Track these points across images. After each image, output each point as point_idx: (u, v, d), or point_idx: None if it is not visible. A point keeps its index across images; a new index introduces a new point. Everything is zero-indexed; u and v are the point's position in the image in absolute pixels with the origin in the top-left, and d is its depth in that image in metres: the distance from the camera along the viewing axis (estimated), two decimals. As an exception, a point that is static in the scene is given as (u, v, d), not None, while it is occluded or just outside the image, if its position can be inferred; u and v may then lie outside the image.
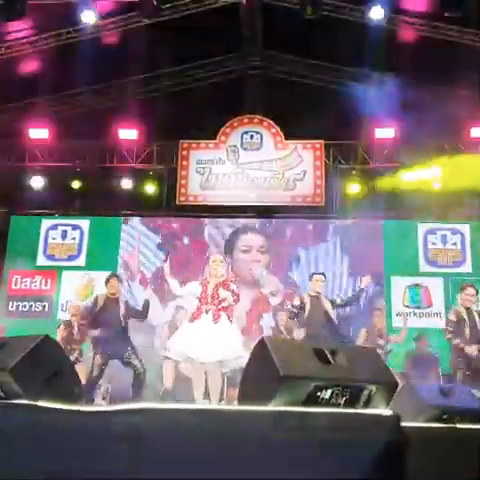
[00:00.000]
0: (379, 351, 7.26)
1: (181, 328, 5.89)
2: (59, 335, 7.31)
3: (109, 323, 6.50)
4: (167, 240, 10.36)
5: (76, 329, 7.36)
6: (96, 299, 6.79)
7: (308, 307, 6.45)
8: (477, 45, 9.10)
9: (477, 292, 6.81)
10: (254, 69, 11.03)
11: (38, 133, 10.55)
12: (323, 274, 6.97)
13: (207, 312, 5.27)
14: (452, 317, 6.78)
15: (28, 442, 1.95)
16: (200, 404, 5.06)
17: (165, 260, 6.11)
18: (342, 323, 8.39)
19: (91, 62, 9.47)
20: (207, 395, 5.62)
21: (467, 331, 6.54)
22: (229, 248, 10.28)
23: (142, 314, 6.66)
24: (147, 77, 10.78)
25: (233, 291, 5.42)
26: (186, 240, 10.41)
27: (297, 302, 6.53)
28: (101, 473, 1.92)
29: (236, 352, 5.12)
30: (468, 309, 6.68)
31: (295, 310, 6.47)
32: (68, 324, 7.55)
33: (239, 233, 10.42)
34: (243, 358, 4.95)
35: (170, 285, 5.82)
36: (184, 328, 5.68)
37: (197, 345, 5.20)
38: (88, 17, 9.02)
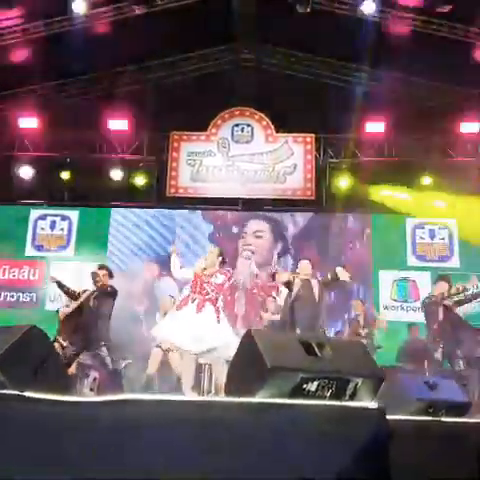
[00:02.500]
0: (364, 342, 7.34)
1: (167, 315, 5.91)
2: (60, 318, 7.33)
3: (93, 315, 6.56)
4: (219, 230, 10.51)
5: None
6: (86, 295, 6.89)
7: (297, 289, 6.32)
8: (467, 40, 9.11)
9: (450, 286, 6.87)
10: (246, 62, 11.00)
11: (27, 122, 10.48)
12: (309, 259, 6.83)
13: (193, 301, 5.28)
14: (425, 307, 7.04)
15: (14, 432, 1.95)
16: (187, 395, 5.06)
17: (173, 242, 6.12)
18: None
19: (81, 52, 9.39)
20: (196, 387, 5.64)
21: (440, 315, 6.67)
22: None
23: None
24: (138, 68, 10.71)
25: (212, 283, 5.35)
26: (235, 229, 10.53)
27: (284, 278, 6.45)
28: (88, 463, 1.93)
29: (215, 343, 5.08)
30: (443, 305, 6.75)
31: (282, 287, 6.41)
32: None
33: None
34: (225, 349, 4.94)
35: (171, 264, 5.83)
36: (170, 315, 5.72)
37: (179, 333, 5.21)
38: (79, 6, 8.95)
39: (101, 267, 6.90)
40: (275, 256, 10.25)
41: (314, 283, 6.37)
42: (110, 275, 6.79)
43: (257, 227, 10.47)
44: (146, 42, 9.49)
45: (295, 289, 6.28)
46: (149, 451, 1.89)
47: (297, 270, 6.59)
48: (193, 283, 5.45)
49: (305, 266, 6.50)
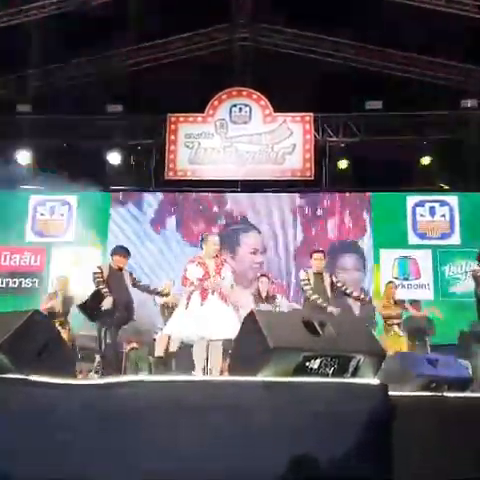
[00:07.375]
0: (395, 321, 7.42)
1: (175, 313, 5.91)
2: (42, 307, 7.26)
3: (118, 292, 6.30)
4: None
5: (60, 302, 7.32)
6: (100, 268, 6.45)
7: (312, 282, 6.44)
8: (464, 14, 9.00)
9: None
10: (243, 41, 10.88)
11: (24, 107, 10.44)
12: (322, 251, 6.85)
13: (198, 292, 5.30)
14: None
15: (20, 417, 1.97)
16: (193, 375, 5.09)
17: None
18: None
19: (78, 34, 9.30)
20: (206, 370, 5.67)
21: None
22: None
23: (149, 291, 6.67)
24: (134, 49, 10.61)
25: (211, 272, 5.33)
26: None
27: (304, 276, 6.52)
28: (93, 445, 1.95)
29: (225, 328, 5.07)
30: None
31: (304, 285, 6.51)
32: (52, 296, 7.50)
33: None
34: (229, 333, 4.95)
35: None
36: (176, 313, 5.70)
37: (188, 329, 5.23)
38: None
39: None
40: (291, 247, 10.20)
41: (326, 277, 6.51)
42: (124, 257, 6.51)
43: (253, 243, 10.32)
44: (141, 23, 9.39)
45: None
46: (151, 433, 1.90)
47: (311, 261, 6.66)
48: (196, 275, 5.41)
49: (318, 259, 6.58)
